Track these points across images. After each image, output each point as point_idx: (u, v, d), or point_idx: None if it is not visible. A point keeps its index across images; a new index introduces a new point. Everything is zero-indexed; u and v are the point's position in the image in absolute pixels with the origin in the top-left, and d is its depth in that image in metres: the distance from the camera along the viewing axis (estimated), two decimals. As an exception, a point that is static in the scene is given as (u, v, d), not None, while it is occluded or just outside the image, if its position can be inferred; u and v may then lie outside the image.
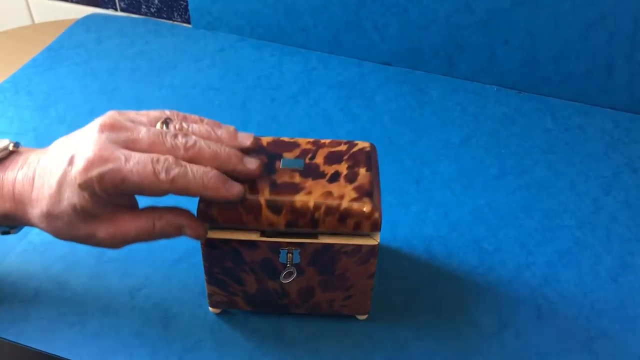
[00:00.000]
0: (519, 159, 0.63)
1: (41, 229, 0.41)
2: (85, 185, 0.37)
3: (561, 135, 0.66)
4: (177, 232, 0.40)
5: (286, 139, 0.46)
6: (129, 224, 0.39)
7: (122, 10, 0.85)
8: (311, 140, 0.46)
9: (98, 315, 0.48)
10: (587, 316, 0.49)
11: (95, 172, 0.36)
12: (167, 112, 0.42)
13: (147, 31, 0.81)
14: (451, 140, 0.65)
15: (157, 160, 0.37)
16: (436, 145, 0.64)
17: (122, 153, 0.37)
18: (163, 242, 0.54)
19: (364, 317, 0.48)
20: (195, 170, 0.38)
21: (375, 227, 0.41)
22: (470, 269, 0.52)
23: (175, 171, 0.37)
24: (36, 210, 0.39)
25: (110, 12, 0.86)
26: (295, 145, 0.45)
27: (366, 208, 0.41)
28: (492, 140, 0.65)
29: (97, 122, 0.39)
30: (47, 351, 0.45)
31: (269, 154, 0.44)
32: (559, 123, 0.68)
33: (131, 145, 0.38)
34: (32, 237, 0.53)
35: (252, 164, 0.41)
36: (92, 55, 0.76)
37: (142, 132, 0.39)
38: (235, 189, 0.39)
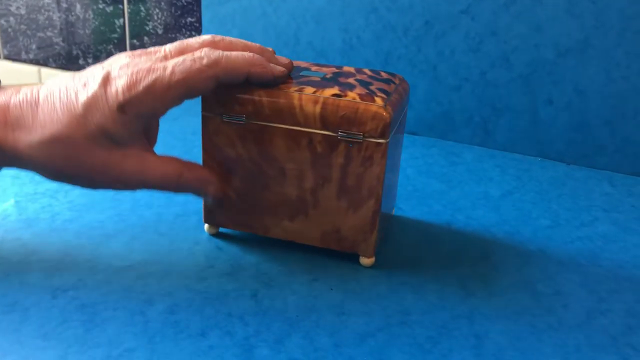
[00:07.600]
0: (575, 214, 0.51)
1: (26, 159, 0.34)
2: (129, 106, 0.33)
3: (625, 198, 0.54)
4: (199, 188, 0.38)
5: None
6: (156, 165, 0.36)
7: None
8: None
9: None
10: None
11: (141, 87, 0.33)
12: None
13: None
14: (490, 194, 0.54)
15: (194, 53, 0.35)
16: (471, 196, 0.53)
17: (159, 64, 0.34)
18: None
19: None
20: (235, 53, 0.36)
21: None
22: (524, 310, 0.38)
23: (216, 54, 0.35)
24: (34, 137, 0.34)
25: None
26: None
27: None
28: (539, 197, 0.54)
29: (121, 53, 0.36)
30: None
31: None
32: (620, 189, 0.56)
33: (163, 59, 0.35)
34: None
35: (281, 63, 0.39)
36: None
37: (168, 46, 0.37)
38: (278, 68, 0.37)
